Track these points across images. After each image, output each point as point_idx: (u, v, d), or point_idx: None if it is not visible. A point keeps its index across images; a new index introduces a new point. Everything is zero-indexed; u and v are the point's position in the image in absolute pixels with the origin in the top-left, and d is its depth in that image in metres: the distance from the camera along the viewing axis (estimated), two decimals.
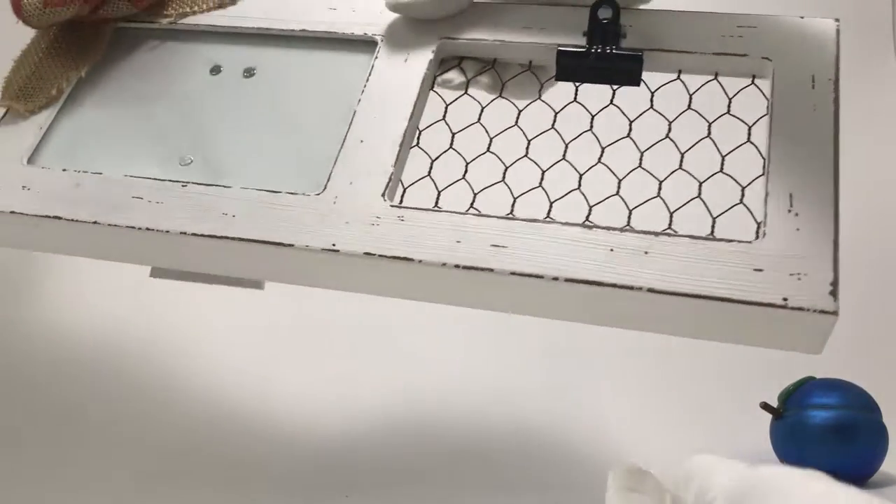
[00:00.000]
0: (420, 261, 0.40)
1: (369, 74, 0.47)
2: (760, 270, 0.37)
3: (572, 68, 0.45)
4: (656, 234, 0.39)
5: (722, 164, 0.42)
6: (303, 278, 0.44)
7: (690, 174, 0.42)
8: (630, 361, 0.64)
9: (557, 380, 0.64)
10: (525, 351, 0.67)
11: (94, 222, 0.44)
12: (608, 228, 0.39)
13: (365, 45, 0.49)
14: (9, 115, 0.50)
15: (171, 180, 0.45)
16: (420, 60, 0.47)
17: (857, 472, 0.48)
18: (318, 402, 0.64)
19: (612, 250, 0.38)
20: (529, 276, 0.38)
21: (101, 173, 0.46)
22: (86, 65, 0.51)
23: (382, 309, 0.57)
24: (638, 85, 0.44)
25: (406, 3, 0.47)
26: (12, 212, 0.45)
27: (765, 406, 0.49)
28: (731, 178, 0.42)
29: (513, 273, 0.38)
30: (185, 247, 0.43)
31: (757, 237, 0.38)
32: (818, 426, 0.48)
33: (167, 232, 0.43)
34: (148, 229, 0.43)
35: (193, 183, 0.44)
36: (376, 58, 0.48)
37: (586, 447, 0.58)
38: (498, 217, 0.40)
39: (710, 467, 0.33)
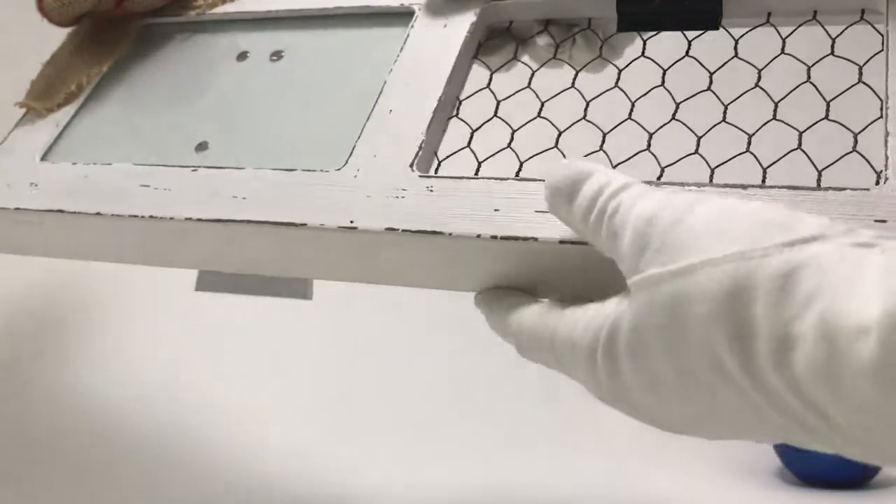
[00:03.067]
0: (450, 234, 0.33)
1: (403, 44, 0.41)
2: (883, 221, 0.28)
3: (636, 16, 0.38)
4: (745, 186, 0.31)
5: (827, 110, 0.34)
6: (325, 269, 0.38)
7: (787, 124, 0.34)
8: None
9: (551, 381, 0.64)
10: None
11: (97, 213, 0.39)
12: (683, 184, 0.31)
13: (401, 17, 0.43)
14: (29, 114, 0.46)
15: (181, 165, 0.40)
16: (461, 25, 0.41)
17: (858, 473, 0.49)
18: None
19: None
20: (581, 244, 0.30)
21: (110, 164, 0.41)
22: (108, 61, 0.47)
23: None
24: (717, 28, 0.37)
25: None
26: (17, 208, 0.41)
27: None
28: (840, 124, 0.33)
29: (562, 242, 0.31)
30: (195, 236, 0.38)
31: (878, 184, 0.29)
32: None
33: (171, 219, 0.38)
34: (152, 217, 0.38)
35: (205, 167, 0.39)
36: (412, 27, 0.42)
37: (581, 447, 0.58)
38: (537, 180, 0.33)
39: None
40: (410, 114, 0.38)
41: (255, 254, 0.38)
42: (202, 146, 0.41)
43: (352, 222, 0.35)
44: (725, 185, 0.31)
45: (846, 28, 0.36)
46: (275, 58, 0.45)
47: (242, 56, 0.46)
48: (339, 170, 0.37)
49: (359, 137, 0.38)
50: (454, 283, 0.35)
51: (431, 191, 0.35)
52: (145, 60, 0.48)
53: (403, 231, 0.34)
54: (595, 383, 0.27)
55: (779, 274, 0.22)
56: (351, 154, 0.37)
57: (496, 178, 0.34)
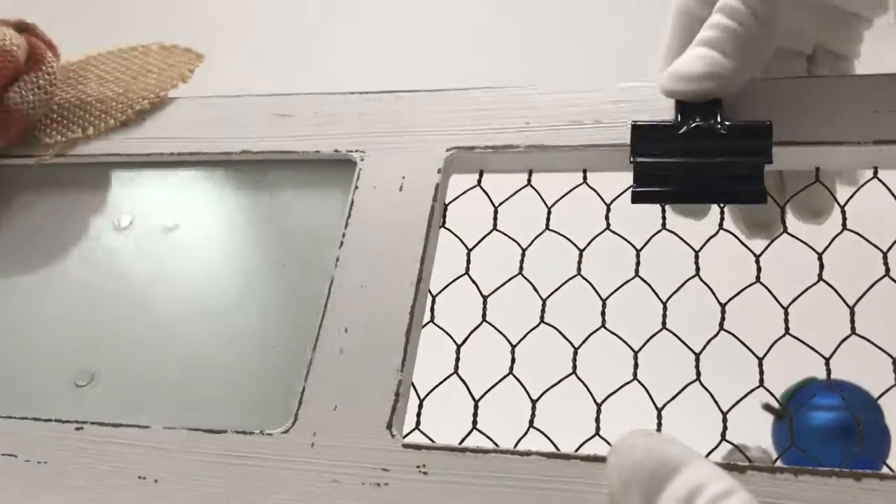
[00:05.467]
0: None
1: (348, 217, 0.31)
2: None
3: (656, 175, 0.29)
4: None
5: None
6: None
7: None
8: (626, 360, 0.67)
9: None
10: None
11: None
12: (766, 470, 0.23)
13: (337, 167, 0.33)
14: None
15: (59, 420, 0.29)
16: (422, 183, 0.31)
17: None
18: None
19: None
20: None
21: None
22: None
23: None
24: (765, 201, 0.29)
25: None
26: None
27: (767, 407, 0.46)
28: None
29: None
30: None
31: None
32: (820, 427, 0.46)
33: None
34: None
35: (93, 423, 0.28)
36: (356, 188, 0.32)
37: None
38: (585, 459, 0.24)
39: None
40: (374, 333, 0.28)
41: None
42: (83, 378, 0.30)
43: None
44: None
45: None
46: (167, 229, 0.33)
47: (121, 224, 0.34)
48: (285, 432, 0.27)
49: (307, 376, 0.28)
50: None
51: (424, 473, 0.25)
52: None
53: None
54: None
55: None
56: (300, 404, 0.27)
57: (515, 453, 0.25)
